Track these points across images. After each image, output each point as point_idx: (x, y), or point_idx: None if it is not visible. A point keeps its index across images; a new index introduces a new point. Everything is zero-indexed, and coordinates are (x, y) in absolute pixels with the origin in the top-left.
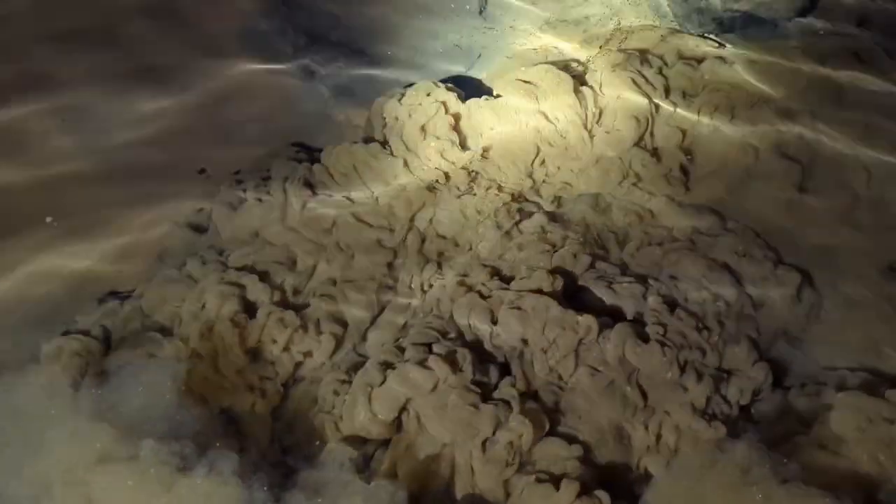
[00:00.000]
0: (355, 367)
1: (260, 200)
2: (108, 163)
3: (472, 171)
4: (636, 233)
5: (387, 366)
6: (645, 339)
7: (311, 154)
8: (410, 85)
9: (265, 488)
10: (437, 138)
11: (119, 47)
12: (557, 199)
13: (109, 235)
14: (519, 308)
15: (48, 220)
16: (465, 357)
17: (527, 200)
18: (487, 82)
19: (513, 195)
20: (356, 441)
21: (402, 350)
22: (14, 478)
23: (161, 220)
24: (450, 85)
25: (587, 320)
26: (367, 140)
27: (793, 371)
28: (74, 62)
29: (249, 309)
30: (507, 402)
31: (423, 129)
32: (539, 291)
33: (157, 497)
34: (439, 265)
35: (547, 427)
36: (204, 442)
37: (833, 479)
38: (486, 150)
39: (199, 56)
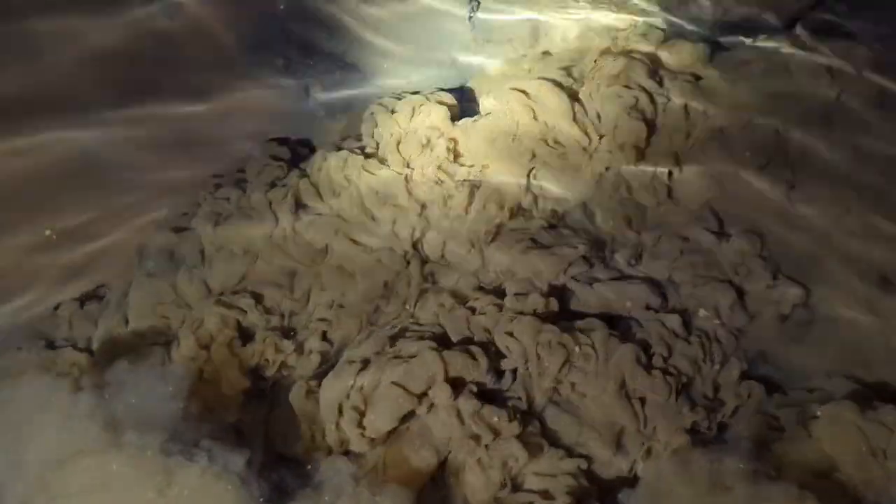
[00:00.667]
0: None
1: (250, 218)
2: (98, 167)
3: (471, 187)
4: (631, 238)
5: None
6: (647, 353)
7: (288, 147)
8: (401, 96)
9: (262, 500)
10: (436, 154)
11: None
12: (555, 213)
13: (92, 236)
14: (512, 335)
15: (48, 233)
16: (467, 364)
17: (525, 210)
18: (479, 92)
19: (511, 210)
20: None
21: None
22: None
23: (144, 222)
24: (442, 95)
25: (586, 350)
26: (360, 149)
27: (778, 384)
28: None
29: (246, 334)
30: (509, 413)
31: (421, 145)
32: (534, 314)
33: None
34: (437, 285)
35: (545, 450)
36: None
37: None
38: (484, 167)
39: (190, 69)
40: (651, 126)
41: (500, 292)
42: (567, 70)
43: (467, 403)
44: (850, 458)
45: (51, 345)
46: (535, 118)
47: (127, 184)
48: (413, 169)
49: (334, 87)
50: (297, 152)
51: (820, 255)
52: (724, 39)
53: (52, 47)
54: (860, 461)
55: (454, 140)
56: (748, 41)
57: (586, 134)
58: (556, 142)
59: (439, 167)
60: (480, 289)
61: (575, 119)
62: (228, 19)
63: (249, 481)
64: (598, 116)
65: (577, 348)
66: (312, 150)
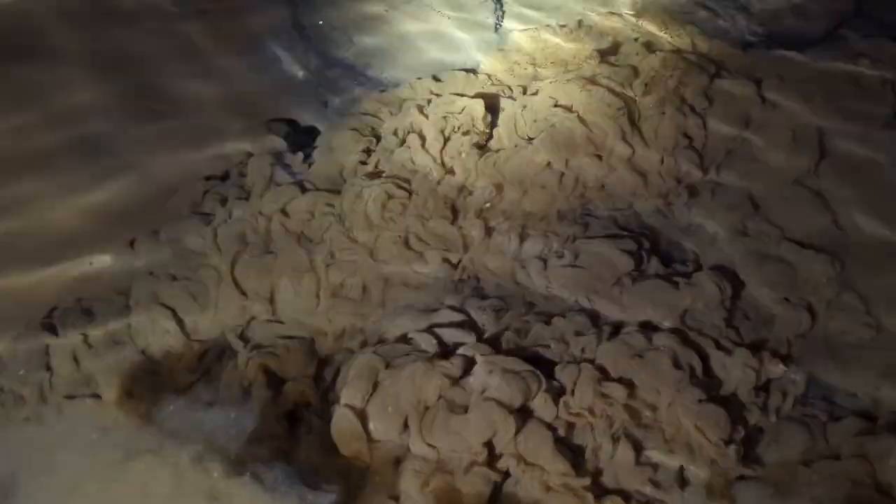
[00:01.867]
0: None
1: (275, 255)
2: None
3: (517, 222)
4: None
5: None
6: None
7: (300, 154)
8: (422, 103)
9: None
10: (478, 196)
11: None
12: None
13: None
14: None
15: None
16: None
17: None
18: (502, 87)
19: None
20: None
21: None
22: None
23: (136, 226)
24: (472, 109)
25: (652, 408)
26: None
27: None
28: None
29: (279, 379)
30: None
31: (462, 191)
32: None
33: None
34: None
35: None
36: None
37: None
38: (525, 215)
39: (210, 79)
40: (702, 159)
41: (548, 314)
42: (603, 56)
43: (530, 453)
44: None
45: (49, 370)
46: (587, 152)
47: (120, 179)
48: (463, 217)
49: (353, 99)
50: (310, 159)
51: (875, 275)
52: (765, 50)
53: None
54: None
55: (497, 187)
56: (789, 53)
57: (643, 180)
58: (603, 188)
59: (481, 212)
60: (540, 315)
61: (632, 160)
62: (246, 29)
63: None
64: (661, 159)
65: (647, 412)
66: (314, 147)
